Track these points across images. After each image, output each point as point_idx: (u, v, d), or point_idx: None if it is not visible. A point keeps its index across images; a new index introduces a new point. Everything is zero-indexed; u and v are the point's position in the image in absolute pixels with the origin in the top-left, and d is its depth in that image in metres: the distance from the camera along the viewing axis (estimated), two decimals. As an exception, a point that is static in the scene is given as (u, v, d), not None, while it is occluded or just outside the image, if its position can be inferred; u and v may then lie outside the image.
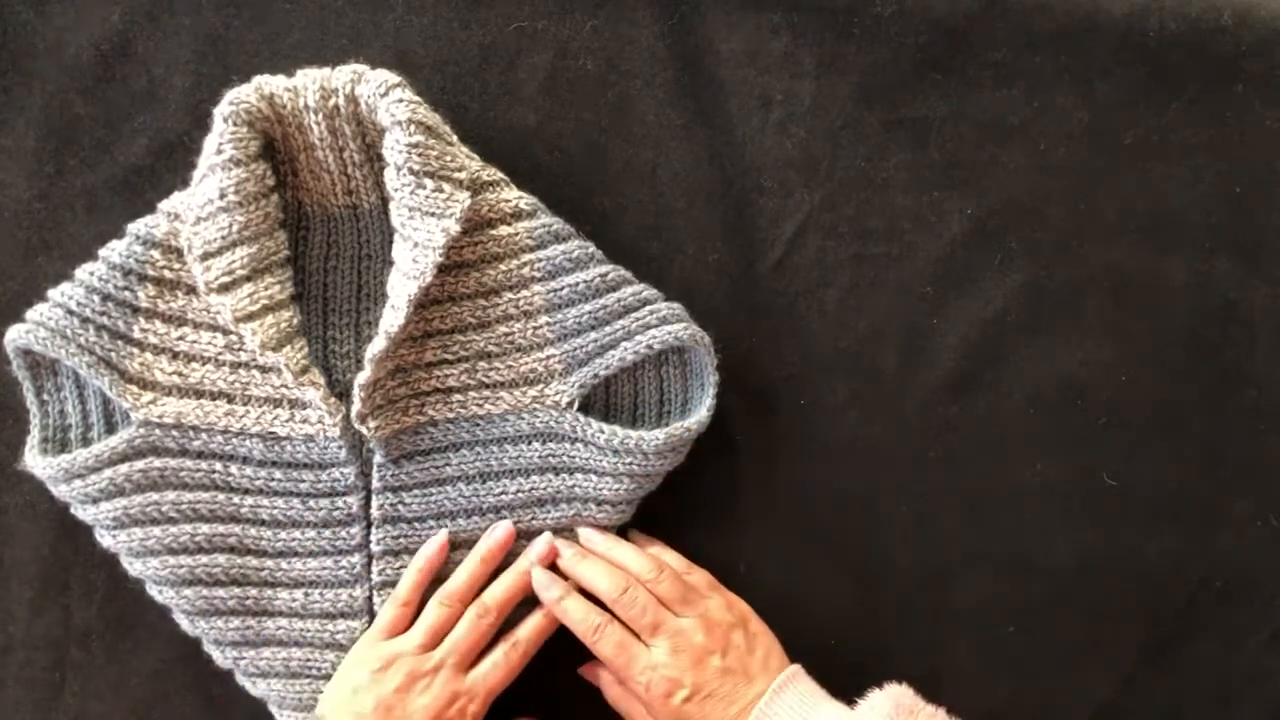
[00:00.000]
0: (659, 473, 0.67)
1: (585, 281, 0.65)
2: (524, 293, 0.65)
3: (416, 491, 0.67)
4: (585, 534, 0.67)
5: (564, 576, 0.66)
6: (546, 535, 0.67)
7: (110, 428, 0.66)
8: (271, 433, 0.65)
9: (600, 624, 0.64)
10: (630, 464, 0.66)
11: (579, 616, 0.64)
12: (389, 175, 0.61)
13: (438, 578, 0.66)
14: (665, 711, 0.63)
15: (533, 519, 0.67)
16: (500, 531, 0.66)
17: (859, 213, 0.71)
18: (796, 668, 0.65)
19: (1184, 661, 0.73)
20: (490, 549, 0.66)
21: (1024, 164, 0.71)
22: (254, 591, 0.67)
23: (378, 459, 0.66)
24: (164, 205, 0.63)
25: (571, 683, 0.69)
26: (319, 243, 0.67)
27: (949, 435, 0.71)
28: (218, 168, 0.61)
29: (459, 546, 0.67)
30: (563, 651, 0.67)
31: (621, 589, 0.64)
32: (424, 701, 0.62)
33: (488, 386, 0.66)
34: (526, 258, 0.65)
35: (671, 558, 0.68)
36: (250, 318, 0.62)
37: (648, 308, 0.66)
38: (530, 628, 0.66)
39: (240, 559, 0.66)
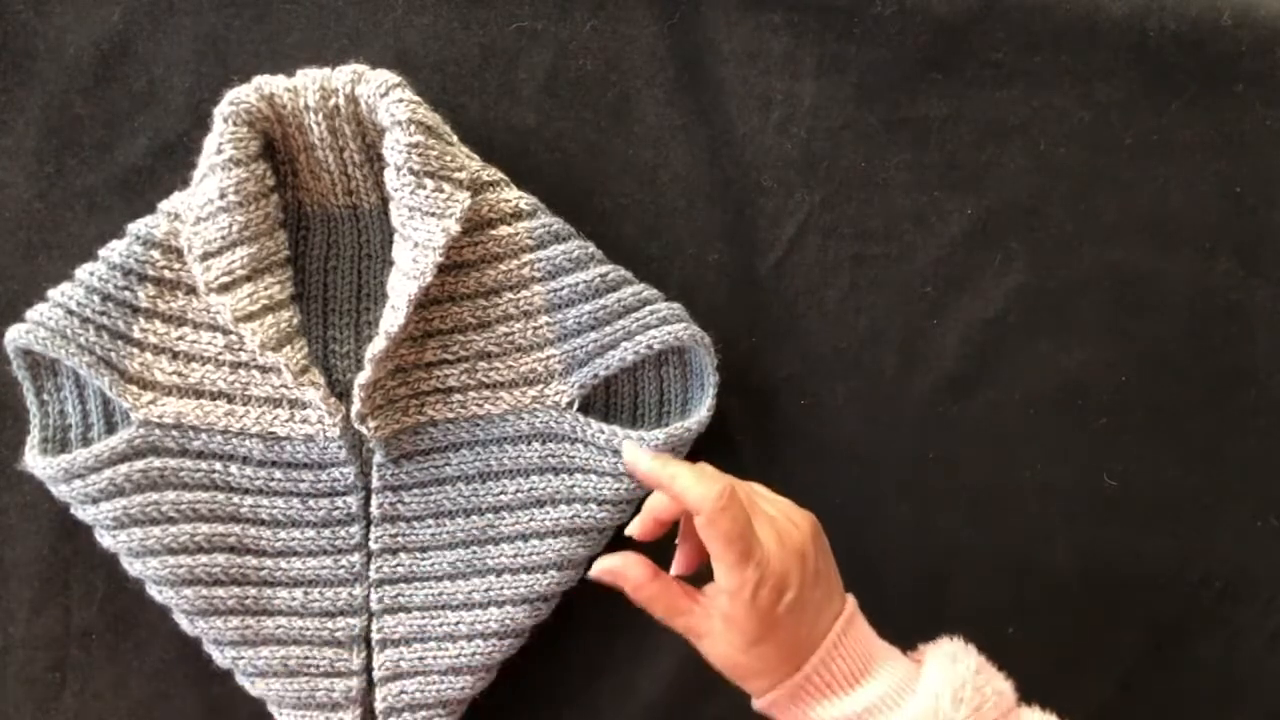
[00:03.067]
0: (659, 473, 0.67)
1: (585, 281, 0.65)
2: (524, 293, 0.65)
3: (416, 491, 0.67)
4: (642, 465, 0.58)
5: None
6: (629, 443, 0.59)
7: (110, 428, 0.66)
8: (271, 433, 0.65)
9: (726, 490, 0.52)
10: (630, 464, 0.66)
11: (698, 485, 0.53)
12: (389, 175, 0.61)
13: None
14: (762, 620, 0.53)
15: (531, 519, 0.67)
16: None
17: (859, 213, 0.71)
18: (853, 601, 0.59)
19: (1184, 661, 0.73)
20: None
21: (1024, 164, 0.71)
22: (253, 591, 0.67)
23: (377, 458, 0.66)
24: (164, 205, 0.63)
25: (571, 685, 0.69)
26: (319, 243, 0.67)
27: (949, 435, 0.71)
28: (218, 168, 0.61)
29: (457, 546, 0.67)
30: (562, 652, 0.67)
31: (726, 492, 0.52)
32: None
33: (488, 386, 0.66)
34: (526, 258, 0.65)
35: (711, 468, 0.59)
36: (250, 318, 0.62)
37: (648, 308, 0.66)
38: None
39: (240, 558, 0.66)
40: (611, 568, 0.57)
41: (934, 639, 0.72)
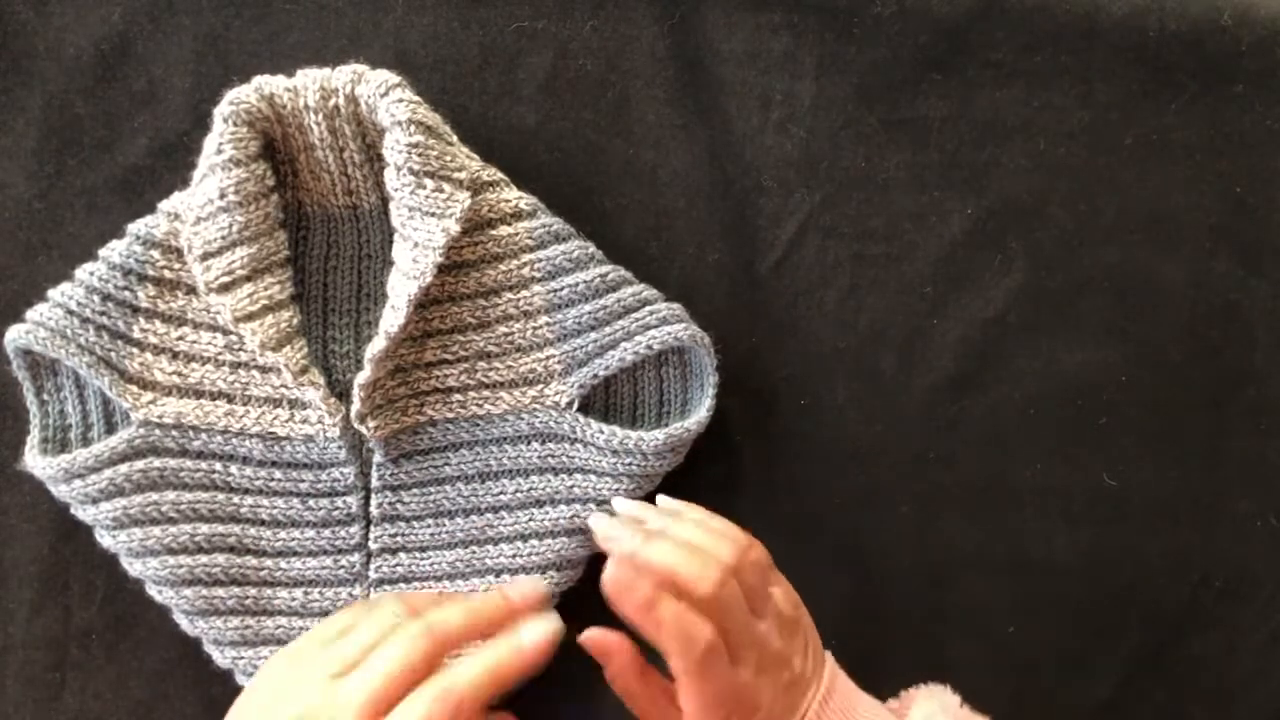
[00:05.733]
0: (659, 473, 0.67)
1: (585, 282, 0.65)
2: (524, 293, 0.65)
3: (415, 490, 0.67)
4: (662, 502, 0.55)
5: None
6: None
7: (110, 428, 0.66)
8: (271, 433, 0.65)
9: (706, 639, 0.48)
10: (630, 464, 0.66)
11: (681, 628, 0.48)
12: (389, 175, 0.61)
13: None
14: None
15: (531, 519, 0.67)
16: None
17: (859, 213, 0.71)
18: (831, 663, 0.58)
19: (1184, 661, 0.73)
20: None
21: (1024, 164, 0.71)
22: (253, 591, 0.67)
23: (377, 458, 0.66)
24: (164, 205, 0.63)
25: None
26: (319, 243, 0.67)
27: (949, 435, 0.71)
28: (218, 168, 0.61)
29: (457, 546, 0.67)
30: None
31: (719, 582, 0.49)
32: None
33: (487, 386, 0.66)
34: (526, 258, 0.65)
35: (719, 526, 0.56)
36: (250, 318, 0.62)
37: (648, 308, 0.66)
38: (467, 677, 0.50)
39: (240, 558, 0.66)
40: (603, 644, 0.54)
41: (934, 639, 0.72)
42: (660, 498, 0.63)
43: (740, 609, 0.51)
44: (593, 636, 0.55)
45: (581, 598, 0.67)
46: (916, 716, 0.60)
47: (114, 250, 0.64)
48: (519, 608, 0.54)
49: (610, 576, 0.49)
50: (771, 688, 0.52)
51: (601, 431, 0.65)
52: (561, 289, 0.65)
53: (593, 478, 0.67)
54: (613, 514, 0.62)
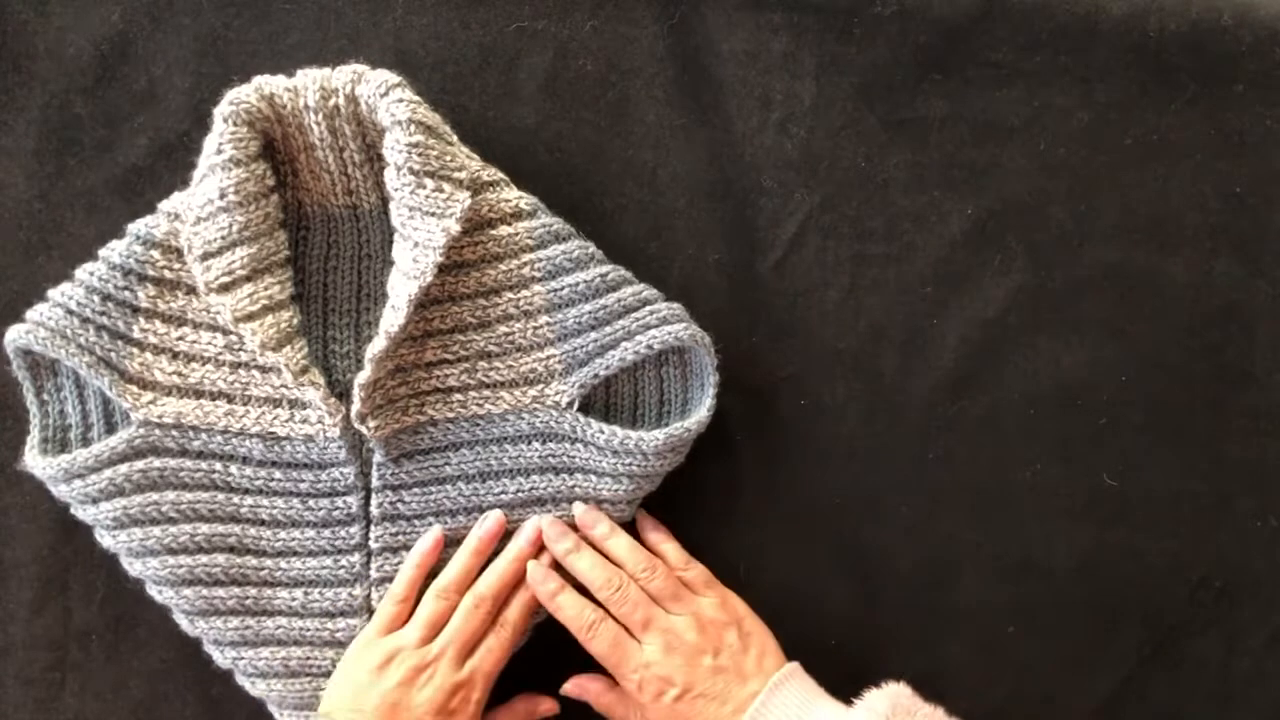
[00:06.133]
0: (659, 473, 0.67)
1: (585, 281, 0.65)
2: (524, 293, 0.65)
3: (416, 490, 0.67)
4: (584, 518, 0.66)
5: (558, 567, 0.66)
6: (535, 519, 0.67)
7: (110, 428, 0.66)
8: (271, 433, 0.65)
9: (594, 620, 0.64)
10: (630, 464, 0.66)
11: (573, 613, 0.64)
12: (389, 175, 0.61)
13: (433, 573, 0.66)
14: (657, 710, 0.63)
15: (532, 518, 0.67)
16: (491, 522, 0.66)
17: (859, 213, 0.71)
18: (794, 666, 0.65)
19: (1184, 661, 0.73)
20: (482, 539, 0.66)
21: (1024, 164, 0.71)
22: (253, 591, 0.67)
23: (377, 457, 0.66)
24: (164, 205, 0.63)
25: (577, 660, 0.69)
26: (319, 243, 0.67)
27: (949, 435, 0.71)
28: (218, 168, 0.61)
29: (455, 544, 0.67)
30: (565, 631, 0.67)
31: (614, 585, 0.64)
32: (427, 694, 0.62)
33: (488, 386, 0.66)
34: (527, 258, 0.65)
35: (672, 549, 0.68)
36: (250, 318, 0.62)
37: (648, 308, 0.66)
38: (517, 607, 0.66)
39: (240, 559, 0.66)
40: (585, 688, 0.67)
41: (934, 639, 0.72)
42: (576, 507, 0.67)
43: (641, 604, 0.64)
44: (573, 685, 0.68)
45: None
46: (859, 707, 0.62)
47: (114, 250, 0.64)
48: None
49: (530, 575, 0.65)
50: (687, 668, 0.63)
51: (602, 431, 0.65)
52: (562, 289, 0.65)
53: (593, 477, 0.66)
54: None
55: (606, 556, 0.66)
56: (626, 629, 0.65)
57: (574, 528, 0.67)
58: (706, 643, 0.64)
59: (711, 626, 0.65)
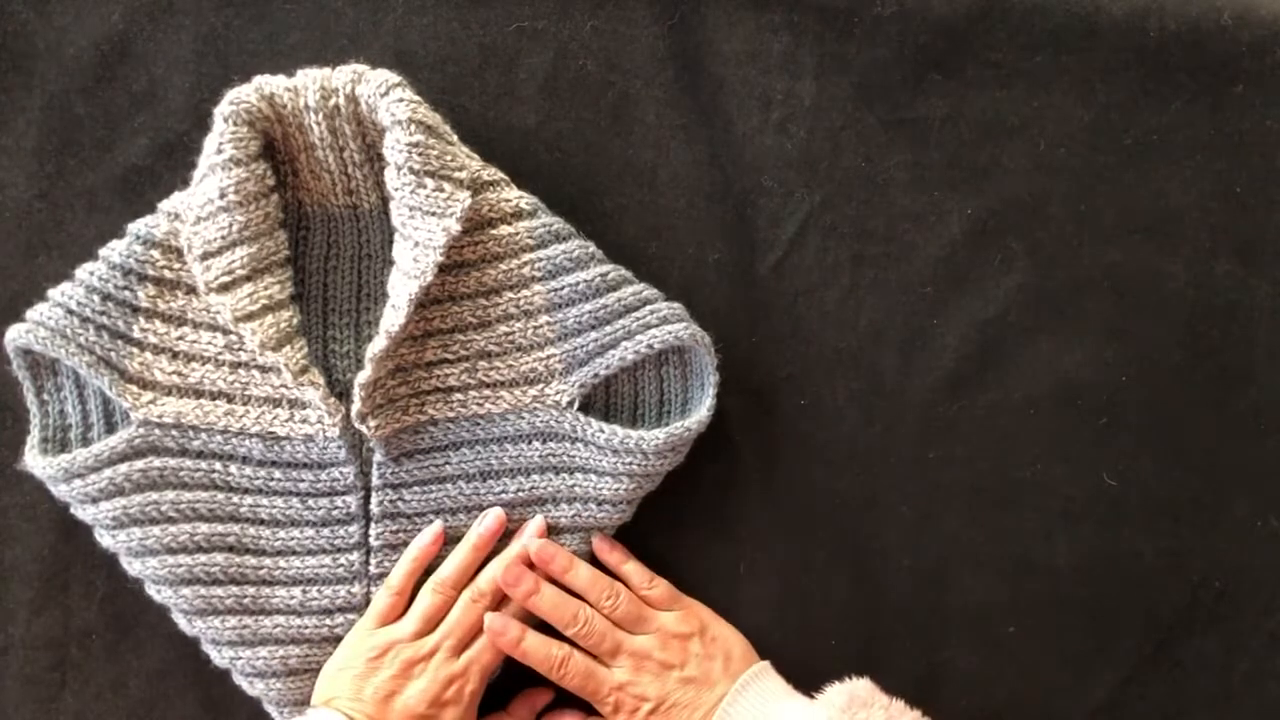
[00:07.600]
0: (659, 472, 0.67)
1: (586, 281, 0.65)
2: (524, 292, 0.65)
3: (416, 489, 0.67)
4: (540, 553, 0.66)
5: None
6: (538, 519, 0.67)
7: (110, 428, 0.66)
8: (271, 432, 0.65)
9: (562, 658, 0.65)
10: (630, 464, 0.66)
11: (541, 655, 0.65)
12: (389, 175, 0.61)
13: (429, 568, 0.67)
14: None
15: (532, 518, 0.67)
16: (491, 519, 0.67)
17: (859, 213, 0.71)
18: (763, 665, 0.67)
19: (1184, 661, 0.73)
20: (481, 536, 0.67)
21: (1024, 164, 0.71)
22: (251, 590, 0.67)
23: (378, 457, 0.66)
24: (164, 205, 0.64)
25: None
26: (319, 243, 0.67)
27: (949, 435, 0.71)
28: (218, 168, 0.61)
29: (454, 542, 0.67)
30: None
31: (580, 621, 0.65)
32: (421, 685, 0.63)
33: (488, 386, 0.66)
34: (527, 257, 0.65)
35: (633, 569, 0.68)
36: (250, 318, 0.62)
37: (648, 307, 0.66)
38: (515, 604, 0.67)
39: (239, 558, 0.66)
40: None
41: (934, 639, 0.72)
42: (531, 543, 0.67)
43: (608, 634, 0.66)
44: None
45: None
46: (819, 701, 0.63)
47: (114, 250, 0.64)
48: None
49: (489, 624, 0.65)
50: (658, 682, 0.65)
51: (602, 431, 0.65)
52: (562, 288, 0.65)
53: (593, 477, 0.67)
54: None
55: (568, 589, 0.67)
56: (596, 657, 0.66)
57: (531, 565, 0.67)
58: (673, 656, 0.66)
59: (676, 640, 0.66)
